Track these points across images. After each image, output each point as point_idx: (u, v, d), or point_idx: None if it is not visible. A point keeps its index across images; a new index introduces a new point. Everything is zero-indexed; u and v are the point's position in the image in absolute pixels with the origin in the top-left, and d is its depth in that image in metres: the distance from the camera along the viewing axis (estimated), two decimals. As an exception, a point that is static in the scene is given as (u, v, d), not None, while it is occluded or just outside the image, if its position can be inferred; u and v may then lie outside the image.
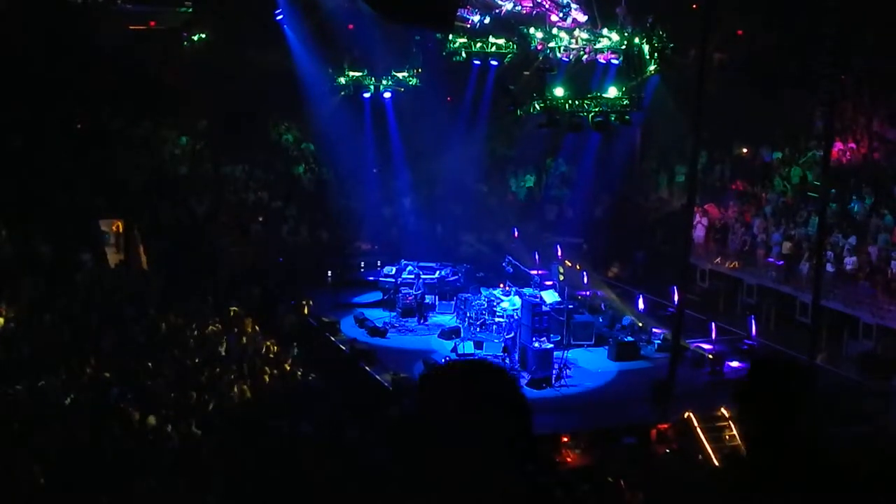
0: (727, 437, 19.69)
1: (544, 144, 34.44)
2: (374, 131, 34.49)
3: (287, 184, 34.78)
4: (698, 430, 19.93)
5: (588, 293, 27.81)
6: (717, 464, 19.12)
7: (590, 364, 23.62)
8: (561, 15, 24.96)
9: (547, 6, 24.86)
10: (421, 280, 27.42)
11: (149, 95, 31.21)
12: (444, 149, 34.70)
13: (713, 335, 24.23)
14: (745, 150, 33.01)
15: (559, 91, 25.46)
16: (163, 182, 31.53)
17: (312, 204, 34.39)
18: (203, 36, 33.87)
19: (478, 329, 25.18)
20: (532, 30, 25.57)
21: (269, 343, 22.63)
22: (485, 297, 25.73)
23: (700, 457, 19.61)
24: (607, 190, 34.29)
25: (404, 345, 25.18)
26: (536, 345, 22.32)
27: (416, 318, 26.97)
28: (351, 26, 32.24)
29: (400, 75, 31.19)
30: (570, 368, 22.47)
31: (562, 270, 27.31)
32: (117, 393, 18.14)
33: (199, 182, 32.91)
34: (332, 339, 25.09)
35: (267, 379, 19.75)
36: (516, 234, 32.84)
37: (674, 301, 23.82)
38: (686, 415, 20.02)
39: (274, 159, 35.27)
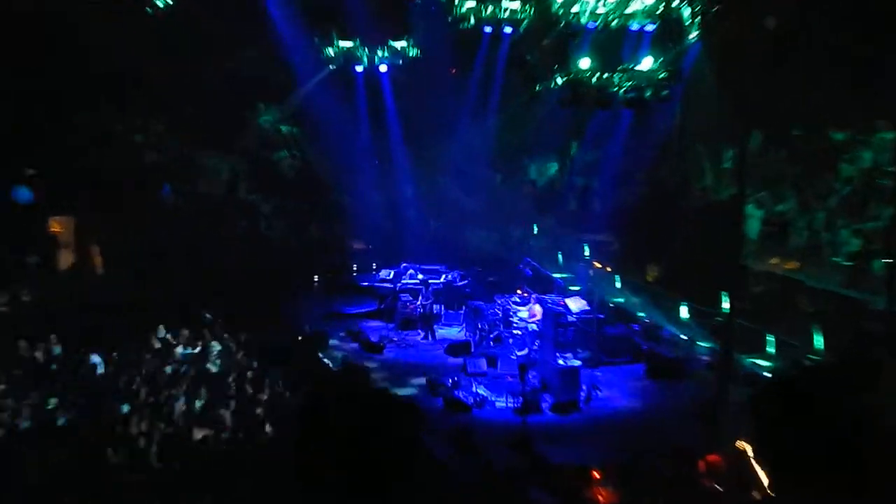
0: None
1: (567, 125, 34.14)
2: (369, 111, 34.31)
3: (267, 173, 34.54)
4: (753, 461, 19.48)
5: (621, 300, 27.40)
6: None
7: (625, 384, 23.29)
8: (586, -27, 24.77)
9: (570, -38, 24.61)
10: (430, 288, 27.29)
11: (106, 74, 30.90)
12: (451, 131, 34.63)
13: (770, 349, 23.89)
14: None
15: (585, 63, 25.36)
16: (122, 173, 31.25)
17: (296, 196, 34.23)
18: (170, 1, 33.46)
19: (491, 343, 25.07)
20: (553, -10, 25.42)
21: (245, 359, 22.41)
22: (499, 305, 25.69)
23: (755, 493, 19.20)
24: (642, 178, 33.90)
25: (404, 362, 25.01)
26: (561, 362, 22.06)
27: (421, 332, 26.91)
28: (341, -12, 32.04)
29: (398, 45, 30.99)
30: (600, 390, 22.12)
31: (590, 273, 27.01)
32: (68, 418, 17.98)
33: (164, 172, 32.68)
34: (320, 355, 24.80)
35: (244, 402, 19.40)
36: (535, 230, 32.70)
37: (723, 309, 23.49)
38: (739, 444, 19.57)
39: (251, 144, 35.05)
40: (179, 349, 22.52)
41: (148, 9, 32.69)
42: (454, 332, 27.21)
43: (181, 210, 31.93)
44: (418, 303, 27.35)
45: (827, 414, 3.96)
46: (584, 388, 21.90)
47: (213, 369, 21.90)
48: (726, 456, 19.66)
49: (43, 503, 15.03)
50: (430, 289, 27.50)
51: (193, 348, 22.58)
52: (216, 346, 22.99)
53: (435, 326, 27.15)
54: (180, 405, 19.23)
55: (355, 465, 3.88)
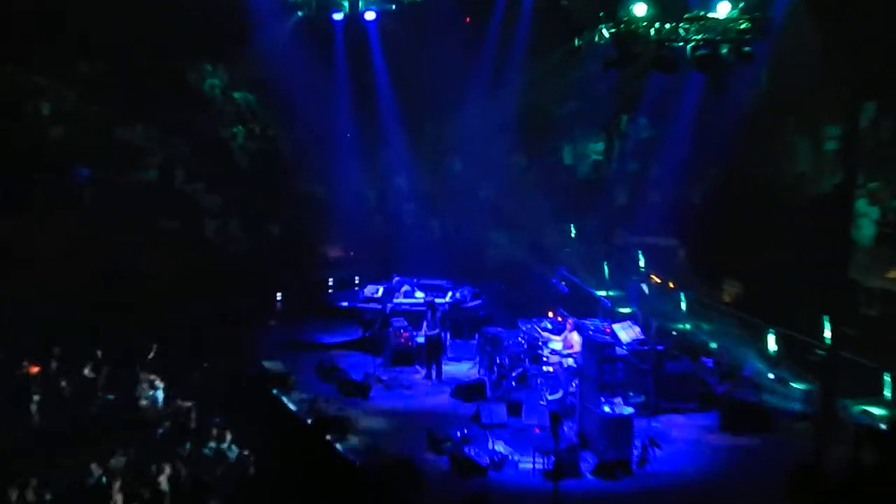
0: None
1: (616, 94, 34.13)
2: (351, 73, 34.36)
3: (214, 155, 34.66)
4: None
5: (688, 326, 27.48)
6: None
7: (692, 439, 23.22)
8: None
9: None
10: (437, 311, 27.29)
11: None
12: (460, 101, 34.71)
13: (888, 392, 23.72)
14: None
15: (640, 9, 25.30)
16: (20, 153, 31.35)
17: (253, 186, 34.36)
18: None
19: (513, 384, 25.00)
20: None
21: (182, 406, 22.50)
22: (524, 332, 25.60)
23: None
24: (715, 163, 33.82)
25: (397, 410, 24.93)
26: (607, 409, 21.92)
27: (420, 369, 26.89)
28: None
29: (391, -14, 31.10)
30: (659, 446, 21.99)
31: (646, 290, 26.90)
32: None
33: (76, 153, 32.68)
34: (284, 399, 24.86)
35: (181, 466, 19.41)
36: (573, 233, 32.59)
37: (825, 338, 23.40)
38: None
39: (193, 117, 35.01)
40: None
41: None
42: (463, 369, 27.10)
43: (99, 204, 31.92)
44: (422, 331, 27.27)
45: None
46: (637, 443, 21.72)
47: (140, 418, 21.93)
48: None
49: None
50: (438, 312, 27.38)
51: (113, 389, 22.61)
52: (145, 388, 23.01)
53: (441, 362, 27.05)
54: (96, 467, 19.25)
55: None
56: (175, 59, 34.84)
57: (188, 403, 22.71)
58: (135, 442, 20.74)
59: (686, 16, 25.53)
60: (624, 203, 34.86)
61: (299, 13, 32.00)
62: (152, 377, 23.51)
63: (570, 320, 25.08)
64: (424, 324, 27.19)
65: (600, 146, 36.62)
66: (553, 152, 36.55)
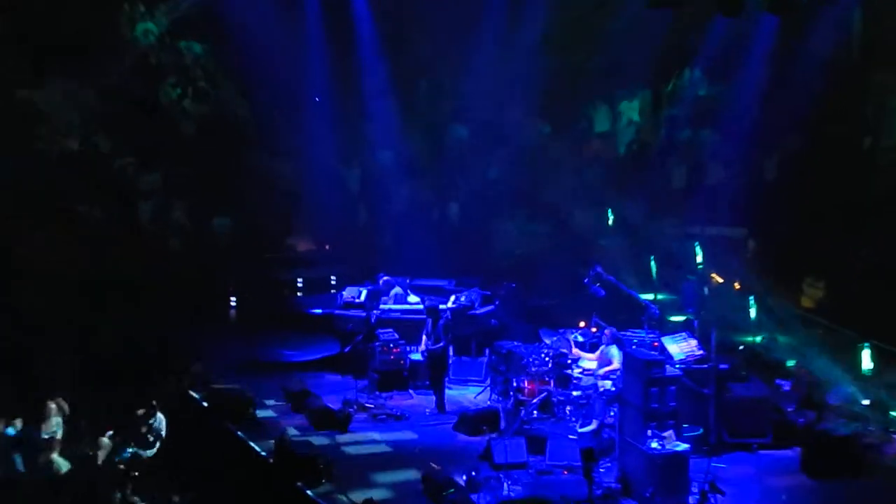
0: None
1: (662, 42, 34.04)
2: (326, 18, 34.66)
3: (149, 122, 34.55)
4: None
5: (758, 339, 27.47)
6: None
7: (764, 483, 22.98)
8: None
9: None
10: (441, 320, 27.10)
11: None
12: (465, 53, 34.77)
13: None
14: None
15: None
16: None
17: (200, 162, 34.37)
18: None
19: (534, 413, 24.74)
20: None
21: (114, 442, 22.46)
22: (548, 347, 25.46)
23: None
24: (792, 129, 33.73)
25: (385, 446, 24.76)
26: (655, 445, 21.73)
27: (433, 398, 26.76)
28: None
29: None
30: (723, 492, 21.78)
31: (705, 292, 26.74)
32: None
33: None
34: (241, 433, 24.75)
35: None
36: (611, 220, 32.47)
37: None
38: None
39: (122, 72, 34.82)
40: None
41: None
42: (470, 395, 27.07)
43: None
44: (421, 344, 27.16)
45: None
46: (694, 488, 21.48)
47: (62, 467, 21.95)
48: None
49: None
50: (442, 321, 27.17)
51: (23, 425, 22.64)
52: (57, 422, 22.98)
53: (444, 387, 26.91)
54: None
55: None
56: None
57: (118, 440, 22.65)
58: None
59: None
60: (677, 182, 34.73)
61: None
62: (66, 408, 23.42)
63: (606, 331, 24.94)
64: (424, 336, 27.01)
65: (645, 107, 36.47)
66: (583, 117, 36.42)
